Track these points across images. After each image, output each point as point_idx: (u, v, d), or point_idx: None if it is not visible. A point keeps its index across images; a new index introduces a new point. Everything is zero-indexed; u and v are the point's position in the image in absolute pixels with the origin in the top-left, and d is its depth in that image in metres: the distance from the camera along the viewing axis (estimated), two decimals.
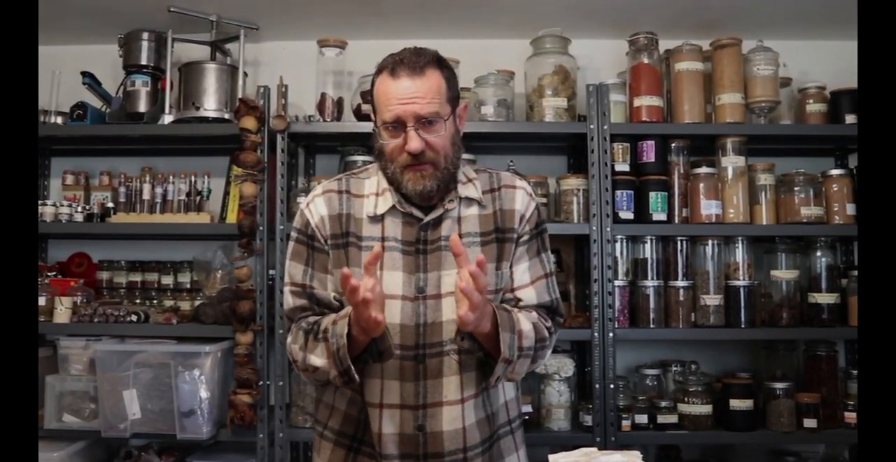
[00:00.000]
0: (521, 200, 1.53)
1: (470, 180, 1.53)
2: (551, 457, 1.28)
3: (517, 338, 1.38)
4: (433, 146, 1.41)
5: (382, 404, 1.44)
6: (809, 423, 2.42)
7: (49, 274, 2.68)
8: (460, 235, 1.46)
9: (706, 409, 2.43)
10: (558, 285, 1.58)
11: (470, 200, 1.50)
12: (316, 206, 1.52)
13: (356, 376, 1.36)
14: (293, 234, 1.53)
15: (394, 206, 1.47)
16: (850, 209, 2.51)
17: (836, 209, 2.52)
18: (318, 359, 1.39)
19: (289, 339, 1.48)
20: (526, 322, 1.43)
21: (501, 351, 1.35)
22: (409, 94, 1.39)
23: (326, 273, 1.49)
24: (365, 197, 1.51)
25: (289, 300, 1.51)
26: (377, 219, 1.48)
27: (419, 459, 1.44)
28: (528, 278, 1.51)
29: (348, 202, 1.50)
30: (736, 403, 2.42)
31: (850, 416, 2.42)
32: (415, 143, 1.39)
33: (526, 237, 1.52)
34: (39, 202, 2.62)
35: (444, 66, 1.47)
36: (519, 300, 1.51)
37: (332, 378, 1.38)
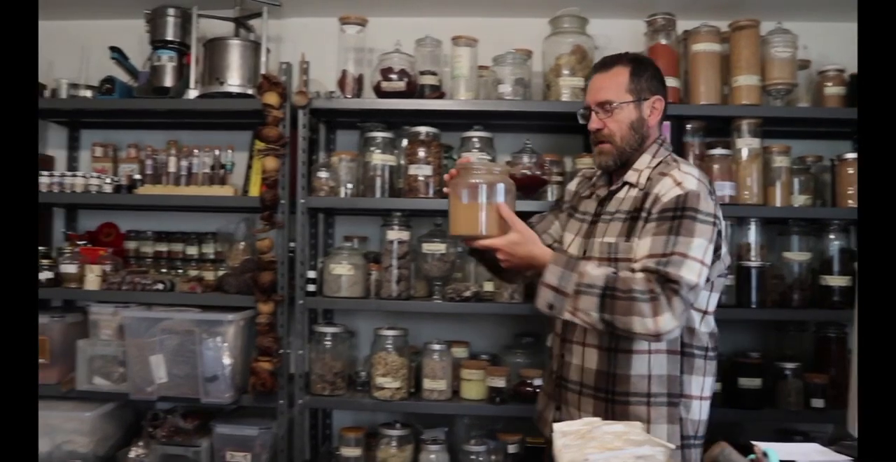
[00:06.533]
0: (664, 185, 1.67)
1: (645, 169, 1.76)
2: (555, 425, 1.33)
3: (576, 275, 1.59)
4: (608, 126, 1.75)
5: (555, 332, 1.87)
6: (817, 403, 2.46)
7: (79, 243, 2.78)
8: (615, 212, 1.75)
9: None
10: None
11: (632, 186, 1.75)
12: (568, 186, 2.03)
13: None
14: None
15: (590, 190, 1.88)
16: None
17: (850, 192, 2.53)
18: None
19: None
20: (595, 268, 1.61)
21: (543, 277, 1.61)
22: (593, 86, 1.79)
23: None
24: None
25: None
26: (587, 197, 1.89)
27: (561, 381, 1.80)
28: (646, 252, 1.62)
29: (585, 185, 1.94)
30: (745, 382, 2.47)
31: None
32: (592, 124, 1.77)
33: (655, 216, 1.65)
34: (70, 173, 2.71)
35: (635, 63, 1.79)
36: (633, 270, 1.64)
37: None
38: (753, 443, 1.27)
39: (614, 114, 1.73)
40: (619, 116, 1.73)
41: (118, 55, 2.79)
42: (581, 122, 1.82)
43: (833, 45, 2.79)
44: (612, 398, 1.69)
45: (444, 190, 1.70)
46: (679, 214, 1.61)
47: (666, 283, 1.54)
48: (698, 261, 1.57)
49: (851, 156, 2.57)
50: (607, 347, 1.70)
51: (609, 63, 1.79)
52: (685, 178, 1.65)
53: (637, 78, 1.75)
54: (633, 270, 1.61)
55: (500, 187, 1.62)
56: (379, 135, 2.62)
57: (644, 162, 1.76)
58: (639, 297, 1.52)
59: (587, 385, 1.73)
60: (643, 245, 1.62)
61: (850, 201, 2.53)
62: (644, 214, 1.67)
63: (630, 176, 1.76)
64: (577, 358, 1.76)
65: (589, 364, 1.73)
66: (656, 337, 1.55)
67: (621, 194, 1.76)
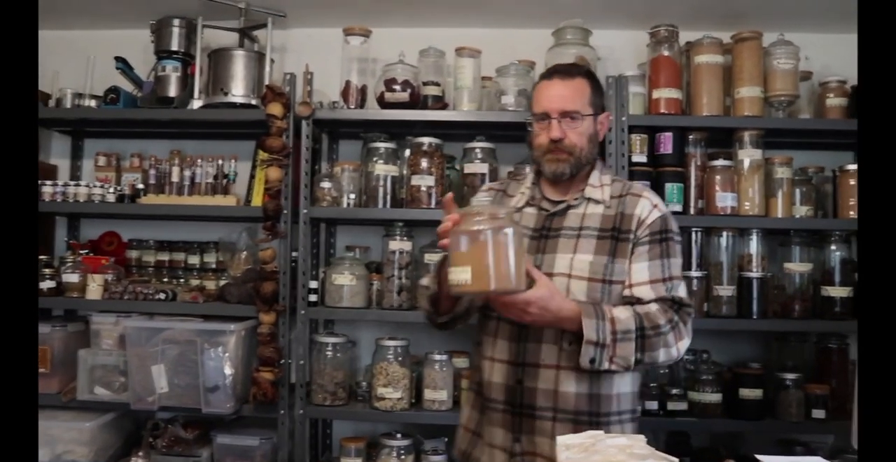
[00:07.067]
0: (643, 207, 1.67)
1: (602, 186, 1.72)
2: (559, 438, 1.33)
3: (608, 323, 1.52)
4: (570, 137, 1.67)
5: (493, 358, 1.70)
6: (818, 413, 2.46)
7: (81, 252, 2.79)
8: (581, 228, 1.68)
9: (716, 397, 2.48)
10: None
11: (596, 202, 1.70)
12: (478, 198, 1.88)
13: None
14: None
15: (528, 202, 1.76)
16: None
17: (851, 203, 2.53)
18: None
19: None
20: (623, 311, 1.56)
21: (585, 334, 1.50)
22: (557, 93, 1.68)
23: None
24: (514, 196, 1.80)
25: None
26: (518, 211, 1.75)
27: (523, 410, 1.65)
28: (646, 277, 1.63)
29: (501, 199, 1.82)
30: (746, 392, 2.47)
31: None
32: (555, 132, 1.66)
33: (645, 239, 1.65)
34: (73, 182, 2.72)
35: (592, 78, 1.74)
36: (638, 298, 1.62)
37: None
38: (758, 457, 1.27)
39: (579, 125, 1.66)
40: (581, 128, 1.67)
41: (123, 65, 2.80)
42: (529, 128, 1.73)
43: (835, 56, 2.80)
44: (595, 420, 1.62)
45: (442, 243, 1.48)
46: (665, 237, 1.66)
47: (681, 309, 1.61)
48: (683, 280, 1.68)
49: (853, 167, 2.58)
50: (590, 369, 1.60)
51: (571, 72, 1.71)
52: (657, 199, 1.71)
53: (595, 92, 1.72)
54: (638, 298, 1.61)
55: (520, 234, 1.47)
56: (382, 145, 2.63)
57: (596, 178, 1.73)
58: (664, 330, 1.56)
59: (564, 410, 1.62)
60: (640, 269, 1.64)
61: (851, 212, 2.54)
62: (630, 236, 1.65)
63: (591, 192, 1.70)
64: (548, 382, 1.63)
65: (565, 387, 1.62)
66: (675, 361, 1.64)
67: (580, 210, 1.70)
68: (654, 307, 1.59)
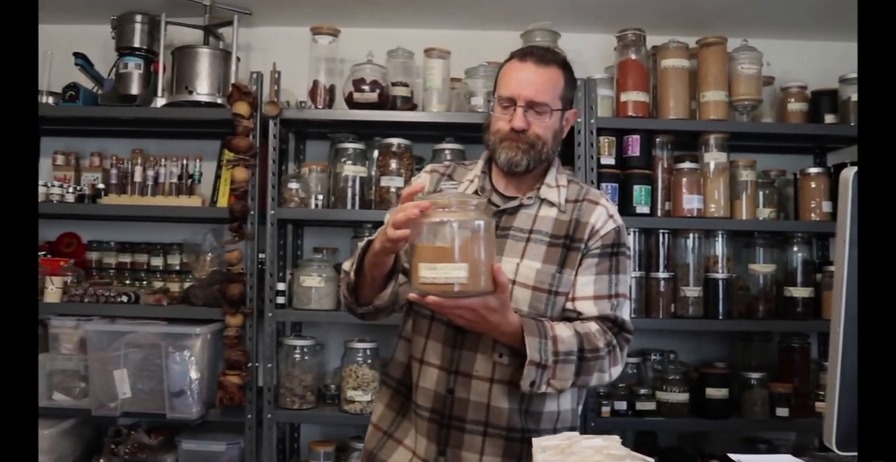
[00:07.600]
0: (598, 216, 1.56)
1: (558, 186, 1.59)
2: (535, 440, 1.32)
3: (550, 343, 1.41)
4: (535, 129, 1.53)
5: (423, 361, 1.56)
6: (781, 411, 2.51)
7: (39, 253, 2.70)
8: (531, 231, 1.54)
9: (683, 397, 2.51)
10: None
11: (550, 204, 1.57)
12: (420, 179, 1.68)
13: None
14: None
15: (476, 192, 1.60)
16: (826, 206, 2.58)
17: (812, 206, 2.59)
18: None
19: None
20: (565, 329, 1.45)
21: (528, 354, 1.38)
22: (528, 79, 1.52)
23: None
24: (461, 183, 1.64)
25: None
26: None
27: (451, 421, 1.53)
28: (590, 292, 1.52)
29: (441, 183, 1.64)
30: (712, 392, 2.51)
31: (821, 406, 2.50)
32: (518, 122, 1.51)
33: (596, 251, 1.54)
34: None
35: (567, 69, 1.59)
36: (579, 313, 1.52)
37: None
38: (731, 456, 1.28)
39: (545, 119, 1.52)
40: (548, 123, 1.52)
41: (83, 61, 2.73)
42: (491, 112, 1.58)
43: (795, 62, 2.88)
44: (528, 438, 1.43)
45: (396, 234, 1.29)
46: (616, 251, 1.56)
47: (620, 333, 1.52)
48: (630, 298, 1.59)
49: (814, 170, 2.64)
50: (528, 392, 1.48)
51: (546, 59, 1.55)
52: (614, 209, 1.60)
53: (568, 86, 1.57)
54: (579, 313, 1.52)
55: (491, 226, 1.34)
56: (350, 146, 2.61)
57: (553, 177, 1.60)
58: (602, 354, 1.47)
59: (495, 426, 1.50)
60: (585, 282, 1.53)
61: (812, 214, 2.60)
62: (581, 246, 1.53)
63: (546, 192, 1.57)
64: (480, 395, 1.50)
65: (498, 402, 1.50)
66: (602, 385, 1.54)
67: (532, 210, 1.56)
68: (594, 327, 1.48)
